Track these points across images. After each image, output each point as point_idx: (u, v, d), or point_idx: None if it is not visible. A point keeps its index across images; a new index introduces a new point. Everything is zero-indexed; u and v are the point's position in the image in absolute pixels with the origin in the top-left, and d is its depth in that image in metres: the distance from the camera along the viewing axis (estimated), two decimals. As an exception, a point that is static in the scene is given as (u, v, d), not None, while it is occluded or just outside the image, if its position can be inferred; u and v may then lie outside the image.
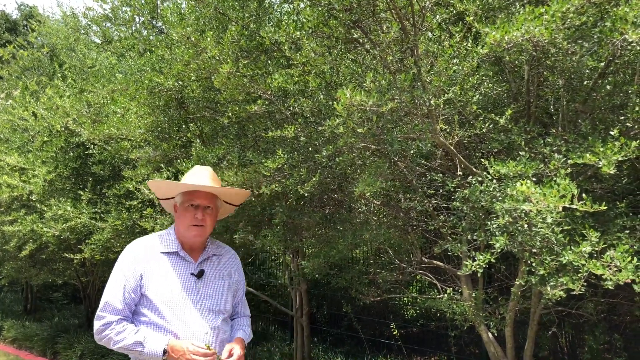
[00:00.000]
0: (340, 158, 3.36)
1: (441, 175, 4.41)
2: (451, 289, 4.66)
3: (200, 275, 2.50)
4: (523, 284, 3.41)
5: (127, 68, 5.46)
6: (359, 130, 2.86)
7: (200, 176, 2.58)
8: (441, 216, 4.33)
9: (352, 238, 3.85)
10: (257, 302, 8.63)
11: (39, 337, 9.20)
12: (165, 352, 2.28)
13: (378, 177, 3.30)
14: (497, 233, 3.33)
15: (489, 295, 4.72)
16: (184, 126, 5.34)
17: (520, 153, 3.48)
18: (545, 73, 4.56)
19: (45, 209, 6.27)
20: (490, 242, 3.63)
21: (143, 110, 5.22)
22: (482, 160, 4.77)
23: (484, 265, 3.21)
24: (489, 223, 3.59)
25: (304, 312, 7.13)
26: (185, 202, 2.52)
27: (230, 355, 2.41)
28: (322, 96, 3.49)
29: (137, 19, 7.51)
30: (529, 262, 3.25)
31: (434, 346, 6.84)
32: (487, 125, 3.65)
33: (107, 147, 6.15)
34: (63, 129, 6.67)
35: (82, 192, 6.42)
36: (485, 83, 4.17)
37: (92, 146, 6.26)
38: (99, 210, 6.22)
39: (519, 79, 4.60)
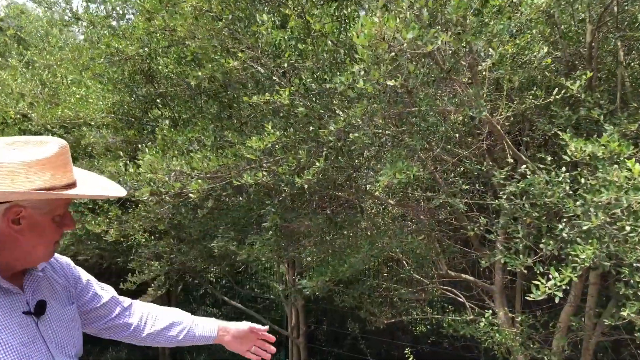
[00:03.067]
0: (356, 135, 2.36)
1: (481, 165, 3.42)
2: (490, 312, 3.67)
3: (40, 311, 1.39)
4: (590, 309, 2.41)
5: (86, 36, 4.46)
6: (388, 84, 1.86)
7: (61, 168, 1.31)
8: (482, 218, 3.34)
9: (369, 248, 2.85)
10: (247, 318, 7.60)
11: None
12: None
13: (412, 161, 2.31)
14: (577, 240, 2.34)
15: (536, 318, 3.74)
16: (154, 107, 4.33)
17: (607, 128, 2.49)
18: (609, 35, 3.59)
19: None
20: (563, 253, 2.65)
21: (105, 88, 4.22)
22: (532, 146, 3.77)
23: (564, 287, 2.22)
24: (560, 226, 2.61)
25: (301, 332, 6.10)
26: (51, 211, 1.35)
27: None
28: (327, 50, 2.50)
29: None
30: (628, 281, 2.26)
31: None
32: (554, 94, 2.66)
33: (66, 136, 5.13)
34: (18, 115, 5.65)
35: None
36: (537, 46, 3.18)
37: (47, 134, 5.23)
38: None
39: (574, 43, 3.62)
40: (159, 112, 4.25)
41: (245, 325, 1.91)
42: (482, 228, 3.66)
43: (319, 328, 7.59)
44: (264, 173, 2.54)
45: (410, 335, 6.62)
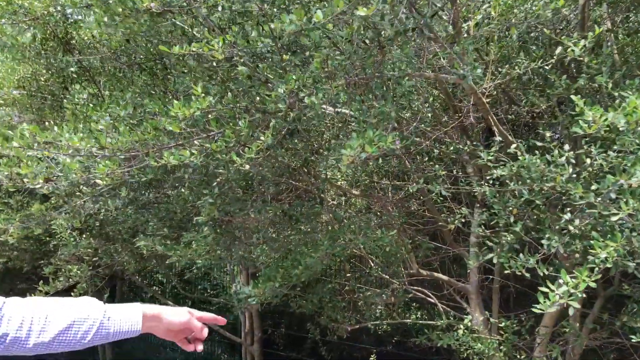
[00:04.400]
0: (312, 99, 1.79)
1: (462, 144, 2.90)
2: (469, 318, 3.19)
3: None
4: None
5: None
6: (358, 14, 1.31)
7: None
8: (463, 209, 2.84)
9: (329, 245, 2.29)
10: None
11: None
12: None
13: (386, 130, 1.77)
14: (593, 234, 1.85)
15: (521, 323, 3.28)
16: (75, 82, 3.63)
17: (626, 94, 2.01)
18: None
19: None
20: (569, 250, 2.16)
21: (11, 57, 3.50)
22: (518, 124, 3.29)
23: (580, 295, 1.72)
24: (565, 217, 2.12)
25: (255, 338, 5.52)
26: None
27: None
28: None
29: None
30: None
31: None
32: (556, 52, 2.16)
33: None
34: None
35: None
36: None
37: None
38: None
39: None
40: (82, 88, 3.57)
41: (183, 315, 1.35)
42: (462, 220, 3.17)
43: (277, 331, 7.01)
44: (193, 152, 1.94)
45: (373, 336, 6.12)
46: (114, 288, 7.34)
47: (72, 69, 3.57)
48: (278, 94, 1.83)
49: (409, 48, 1.82)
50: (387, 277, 3.69)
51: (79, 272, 3.53)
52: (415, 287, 4.01)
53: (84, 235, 3.53)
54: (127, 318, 1.29)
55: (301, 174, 2.80)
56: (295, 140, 2.87)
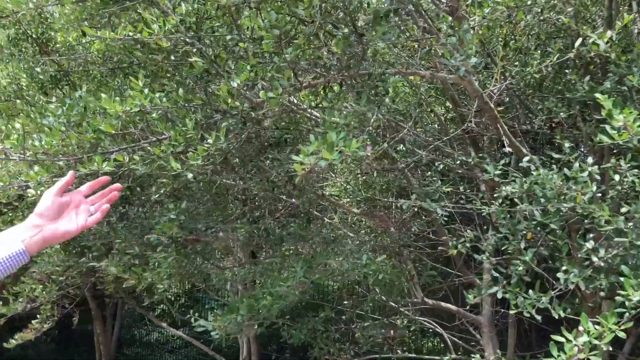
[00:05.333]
0: (270, 95, 1.46)
1: (467, 156, 2.53)
2: (477, 358, 2.78)
3: None
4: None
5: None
6: None
7: None
8: (468, 232, 2.46)
9: (302, 272, 1.93)
10: (196, 350, 6.62)
11: None
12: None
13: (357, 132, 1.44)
14: (622, 268, 1.46)
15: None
16: (55, 87, 3.40)
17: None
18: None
19: None
20: (592, 287, 1.76)
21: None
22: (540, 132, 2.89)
23: (606, 347, 1.33)
24: (586, 245, 1.72)
25: (253, 365, 5.14)
26: None
27: None
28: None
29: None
30: None
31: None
32: (576, 46, 1.79)
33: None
34: None
35: None
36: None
37: None
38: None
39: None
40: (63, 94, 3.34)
41: (48, 196, 1.13)
42: (468, 245, 2.78)
43: (280, 356, 6.62)
44: (135, 157, 1.62)
45: None
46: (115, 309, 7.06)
47: (50, 73, 3.34)
48: (230, 88, 1.51)
49: (391, 33, 1.48)
50: (389, 305, 3.31)
51: (43, 292, 3.23)
52: (423, 319, 3.61)
53: (54, 250, 3.25)
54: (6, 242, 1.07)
55: (281, 185, 2.47)
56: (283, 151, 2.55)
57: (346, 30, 1.50)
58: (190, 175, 1.50)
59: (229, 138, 1.64)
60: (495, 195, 2.16)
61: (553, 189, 1.78)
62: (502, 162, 2.16)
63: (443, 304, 3.44)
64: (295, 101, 2.25)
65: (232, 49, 1.77)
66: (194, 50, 1.64)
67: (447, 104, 3.00)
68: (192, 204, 2.29)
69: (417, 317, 3.50)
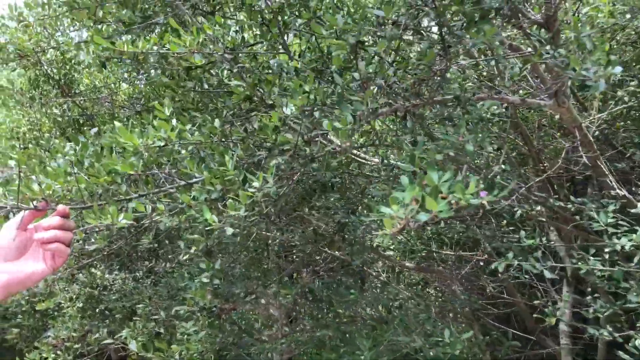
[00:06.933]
0: (337, 124, 1.10)
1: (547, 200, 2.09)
2: None
3: None
4: None
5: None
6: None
7: None
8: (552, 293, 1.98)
9: (370, 351, 1.51)
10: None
11: None
12: None
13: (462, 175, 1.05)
14: None
15: None
16: (79, 130, 3.15)
17: None
18: None
19: None
20: None
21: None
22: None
23: None
24: None
25: None
26: None
27: None
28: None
29: None
30: None
31: None
32: None
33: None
34: None
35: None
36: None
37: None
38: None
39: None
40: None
41: (9, 231, 0.99)
42: (550, 308, 2.34)
43: None
44: (159, 206, 1.27)
45: None
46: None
47: (76, 117, 3.10)
48: (283, 116, 1.15)
49: (494, 32, 1.11)
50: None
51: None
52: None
53: (75, 309, 2.88)
54: None
55: (334, 240, 2.07)
56: (330, 197, 2.17)
57: (434, 36, 1.14)
58: (230, 231, 1.13)
59: (278, 181, 1.27)
60: (606, 250, 1.72)
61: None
62: (612, 207, 1.74)
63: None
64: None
65: (279, 72, 1.43)
66: (234, 70, 1.30)
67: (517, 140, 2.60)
68: (225, 259, 1.91)
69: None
